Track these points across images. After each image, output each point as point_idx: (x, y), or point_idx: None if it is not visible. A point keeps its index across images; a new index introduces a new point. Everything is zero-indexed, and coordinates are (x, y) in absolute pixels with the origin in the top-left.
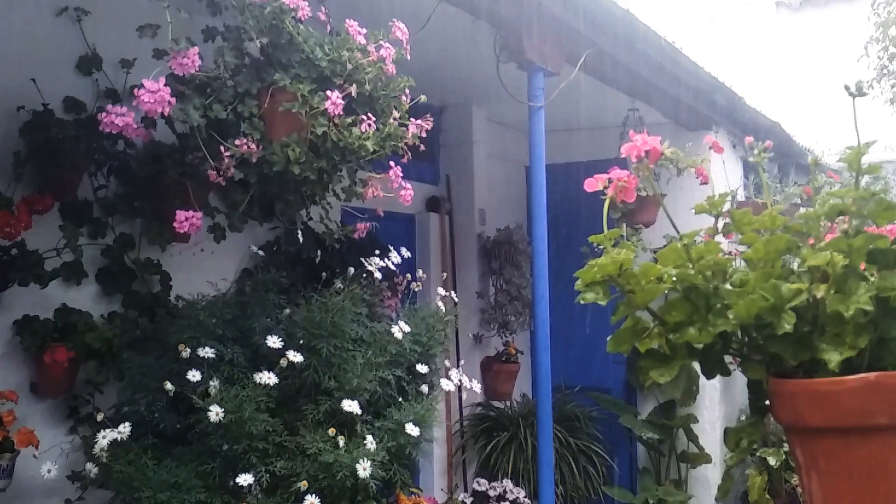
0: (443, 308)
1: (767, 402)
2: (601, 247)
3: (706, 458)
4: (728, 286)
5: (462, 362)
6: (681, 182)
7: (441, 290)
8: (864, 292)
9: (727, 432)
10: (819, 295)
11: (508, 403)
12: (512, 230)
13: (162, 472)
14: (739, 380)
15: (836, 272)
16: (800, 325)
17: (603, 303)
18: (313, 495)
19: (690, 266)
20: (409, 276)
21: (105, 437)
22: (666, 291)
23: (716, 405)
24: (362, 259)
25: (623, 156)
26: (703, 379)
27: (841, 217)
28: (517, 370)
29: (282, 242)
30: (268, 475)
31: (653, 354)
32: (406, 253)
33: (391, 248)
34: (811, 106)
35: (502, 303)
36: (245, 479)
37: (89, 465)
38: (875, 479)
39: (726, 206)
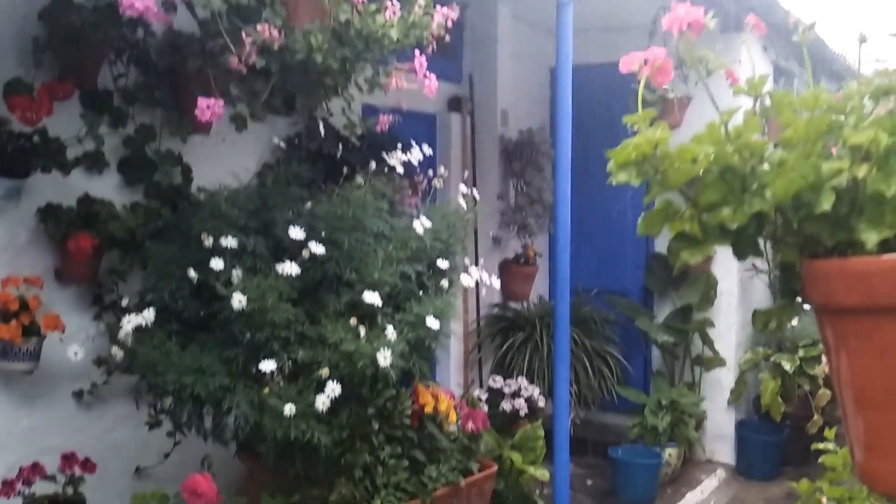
0: (464, 205)
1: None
2: (635, 128)
3: (720, 362)
4: (766, 166)
5: (481, 262)
6: (710, 83)
7: (462, 187)
8: None
9: (755, 314)
10: (860, 174)
11: (525, 305)
12: (534, 132)
13: (186, 357)
14: (758, 286)
15: (878, 151)
16: (838, 205)
17: (636, 183)
18: (334, 382)
19: (728, 144)
20: (430, 172)
21: (130, 322)
22: (701, 173)
23: (733, 310)
24: (384, 154)
25: (665, 29)
26: (721, 284)
27: (886, 97)
28: (535, 272)
29: (302, 138)
30: (290, 363)
31: (684, 237)
32: (427, 150)
33: (413, 144)
34: (843, 13)
35: (522, 205)
36: (267, 366)
37: (115, 350)
38: None
39: (766, 88)
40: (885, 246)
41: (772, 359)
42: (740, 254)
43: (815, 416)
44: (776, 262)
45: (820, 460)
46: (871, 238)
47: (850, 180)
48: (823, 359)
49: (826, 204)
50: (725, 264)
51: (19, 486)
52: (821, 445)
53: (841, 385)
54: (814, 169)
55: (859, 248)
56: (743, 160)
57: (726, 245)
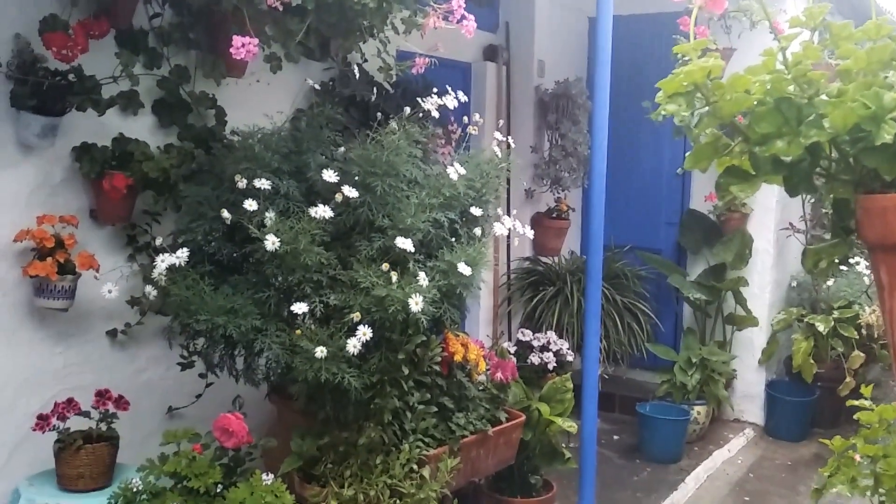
0: (499, 154)
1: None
2: (686, 58)
3: (753, 322)
4: (824, 97)
5: (514, 213)
6: (752, 36)
7: (498, 135)
8: None
9: (806, 252)
10: None
11: (556, 259)
12: (571, 83)
13: (219, 298)
14: (793, 246)
15: None
16: None
17: (686, 113)
18: (365, 326)
19: (786, 74)
20: (465, 119)
21: (163, 262)
22: (755, 104)
23: (767, 269)
24: (418, 98)
25: None
26: (756, 243)
27: None
28: (567, 227)
29: (336, 84)
30: (322, 306)
31: (734, 172)
32: (462, 97)
33: (448, 90)
34: None
35: (556, 158)
36: (300, 308)
37: (148, 289)
38: None
39: (825, 17)
40: None
41: (805, 319)
42: (793, 189)
43: (848, 379)
44: (829, 200)
45: (855, 416)
46: None
47: None
48: (861, 318)
49: (887, 135)
50: (762, 222)
51: (54, 420)
52: (856, 402)
53: (893, 327)
54: (875, 98)
55: None
56: (801, 90)
57: (778, 180)
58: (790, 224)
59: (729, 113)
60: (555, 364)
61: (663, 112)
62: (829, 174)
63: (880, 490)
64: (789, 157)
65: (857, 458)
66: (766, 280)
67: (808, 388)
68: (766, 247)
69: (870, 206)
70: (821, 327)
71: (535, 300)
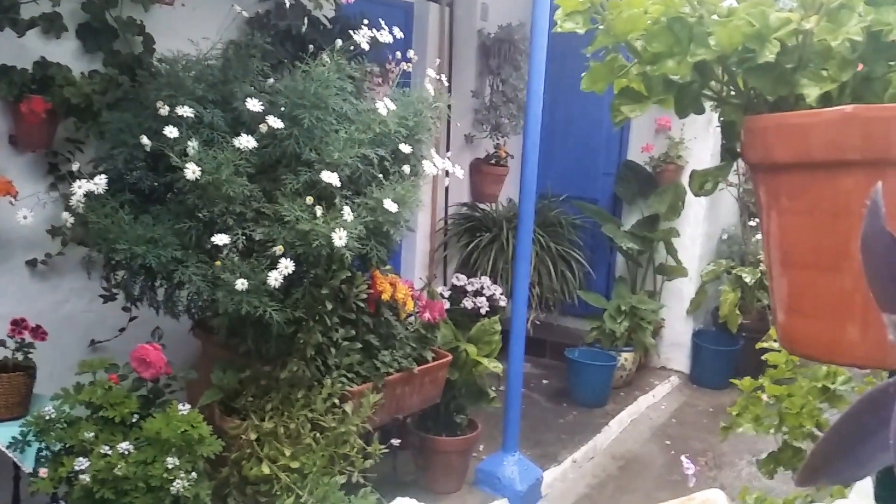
0: (431, 91)
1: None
2: None
3: (682, 272)
4: (715, 17)
5: (448, 154)
6: None
7: (430, 72)
8: (855, 24)
9: (692, 175)
10: (808, 26)
11: (494, 206)
12: (513, 28)
13: (138, 227)
14: (726, 199)
15: (829, 1)
16: (783, 59)
17: (582, 31)
18: (288, 259)
19: None
20: (399, 55)
21: (81, 188)
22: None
23: (699, 221)
24: (350, 31)
25: None
26: (689, 196)
27: None
28: (505, 174)
29: (271, 16)
30: (244, 238)
31: (627, 93)
32: (399, 33)
33: (383, 26)
34: None
35: (497, 104)
36: (221, 240)
37: (65, 215)
38: (836, 217)
39: None
40: (826, 102)
41: (734, 271)
42: (682, 110)
43: (771, 330)
44: (720, 121)
45: (763, 357)
46: (812, 92)
47: (799, 35)
48: None
49: (769, 54)
50: None
51: None
52: (765, 344)
53: (770, 247)
54: (761, 18)
55: (801, 104)
56: (692, 9)
57: (670, 101)
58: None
59: (622, 31)
60: (488, 309)
61: (559, 30)
62: (720, 97)
63: (783, 428)
64: (678, 77)
65: (765, 397)
66: (697, 232)
67: (733, 338)
68: (699, 199)
69: (752, 126)
70: (748, 279)
71: (471, 246)
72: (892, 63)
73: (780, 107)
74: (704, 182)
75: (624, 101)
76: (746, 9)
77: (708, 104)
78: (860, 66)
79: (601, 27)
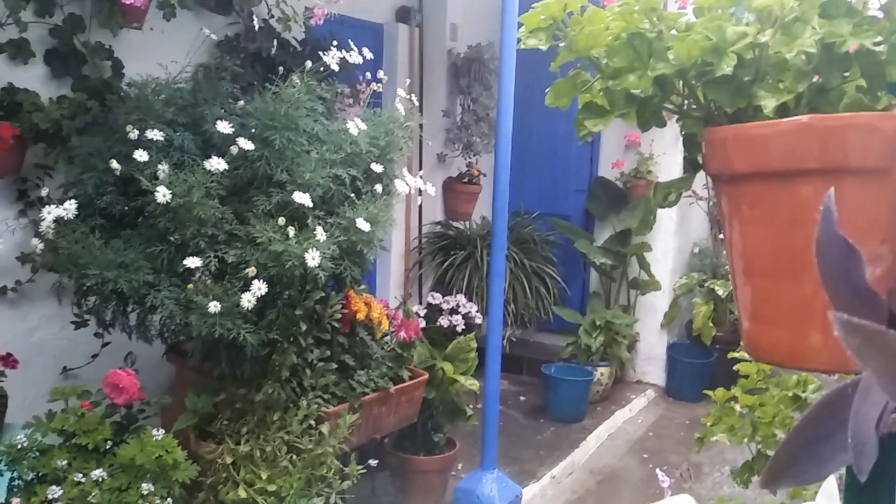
0: (402, 111)
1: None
2: None
3: (656, 286)
4: (674, 32)
5: (420, 173)
6: None
7: (401, 92)
8: (809, 36)
9: (655, 188)
10: (764, 39)
11: (468, 224)
12: (483, 47)
13: (109, 252)
14: (696, 213)
15: (783, 14)
16: (741, 72)
17: (544, 48)
18: (261, 281)
19: (636, 4)
20: (369, 76)
21: (50, 214)
22: (611, 39)
23: (671, 235)
24: (320, 53)
25: None
26: (661, 211)
27: None
28: (478, 192)
29: (241, 39)
30: (216, 261)
31: (591, 108)
32: (368, 54)
33: (353, 47)
34: None
35: (468, 123)
36: (193, 262)
37: (35, 241)
38: (795, 225)
39: None
40: (783, 113)
41: (706, 284)
42: (644, 123)
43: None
44: (682, 134)
45: (734, 367)
46: (769, 103)
47: (756, 50)
48: None
49: (727, 67)
50: None
51: None
52: (737, 354)
53: (733, 256)
54: (718, 32)
55: (759, 115)
56: (652, 25)
57: (632, 115)
58: (693, 192)
59: (584, 47)
60: (464, 327)
61: (523, 47)
62: (681, 110)
63: (757, 438)
64: (640, 91)
65: (737, 407)
66: (668, 246)
67: (707, 350)
68: (670, 214)
69: (712, 137)
70: (720, 292)
71: (445, 264)
72: (846, 74)
73: (739, 118)
74: (668, 194)
75: (588, 116)
76: (704, 23)
77: (673, 118)
78: (816, 78)
79: (563, 44)
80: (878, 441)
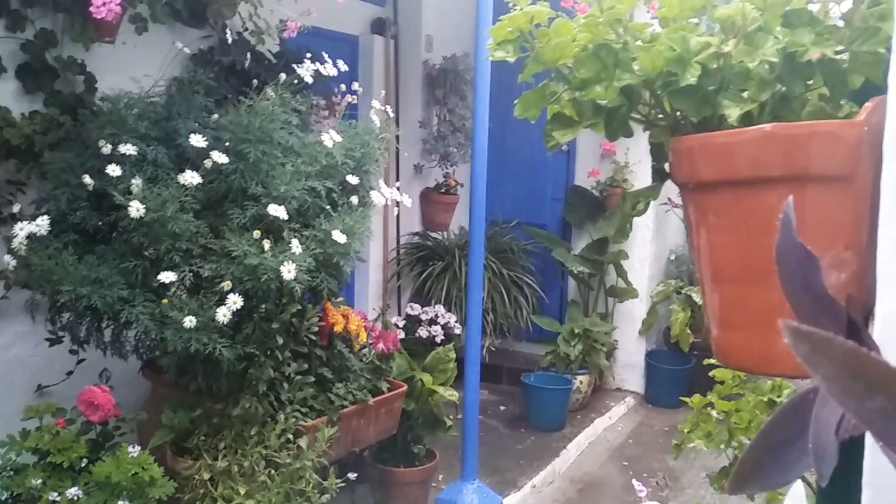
0: (377, 122)
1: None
2: (516, 7)
3: (633, 293)
4: (639, 43)
5: (396, 184)
6: None
7: (377, 103)
8: (771, 45)
9: (624, 197)
10: (727, 49)
11: (445, 234)
12: (458, 58)
13: (83, 268)
14: (672, 221)
15: (745, 24)
16: (705, 82)
17: (512, 59)
18: (236, 295)
19: (601, 15)
20: (344, 88)
21: (23, 230)
22: (577, 51)
23: (647, 243)
24: (294, 65)
25: None
26: (637, 219)
27: None
28: (456, 202)
29: (215, 52)
30: (191, 275)
31: (559, 118)
32: (343, 66)
33: (327, 59)
34: None
35: (444, 133)
36: (168, 277)
37: (7, 258)
38: (761, 232)
39: None
40: (747, 121)
41: (683, 291)
42: (612, 133)
43: None
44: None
45: (710, 373)
46: (733, 112)
47: (720, 60)
48: None
49: (691, 77)
50: None
51: None
52: (712, 360)
53: (701, 264)
54: (682, 42)
55: (724, 124)
56: (618, 36)
57: (600, 126)
58: (669, 199)
59: (551, 59)
60: (443, 337)
61: (491, 59)
62: (648, 119)
63: (733, 443)
64: (606, 102)
65: (714, 413)
66: (645, 253)
67: (685, 357)
68: (646, 221)
69: (679, 147)
70: (697, 298)
71: (424, 275)
72: (808, 82)
73: (704, 127)
74: (636, 203)
75: (556, 127)
76: (668, 34)
77: (640, 127)
78: (779, 87)
79: (531, 55)
80: (838, 446)
